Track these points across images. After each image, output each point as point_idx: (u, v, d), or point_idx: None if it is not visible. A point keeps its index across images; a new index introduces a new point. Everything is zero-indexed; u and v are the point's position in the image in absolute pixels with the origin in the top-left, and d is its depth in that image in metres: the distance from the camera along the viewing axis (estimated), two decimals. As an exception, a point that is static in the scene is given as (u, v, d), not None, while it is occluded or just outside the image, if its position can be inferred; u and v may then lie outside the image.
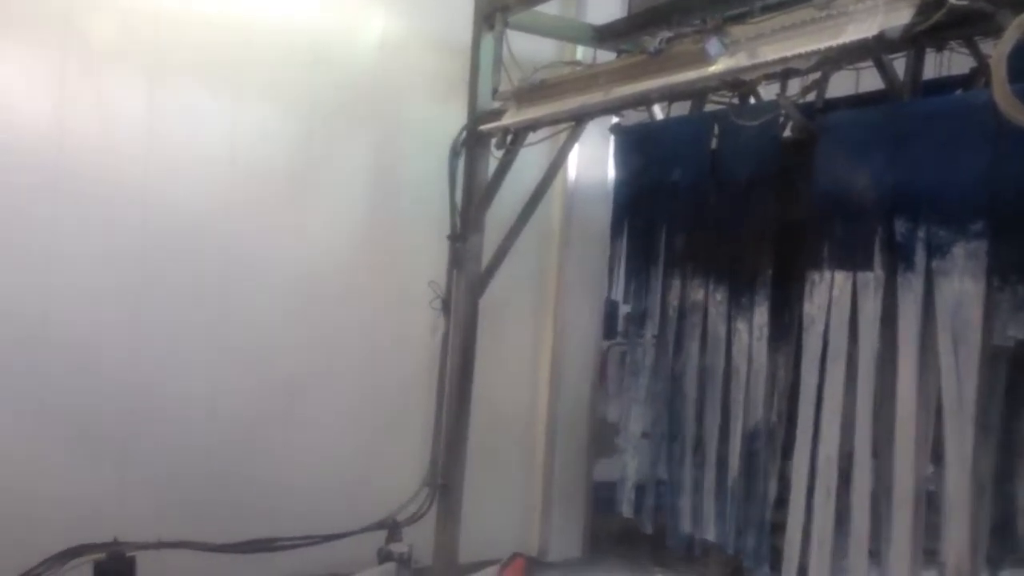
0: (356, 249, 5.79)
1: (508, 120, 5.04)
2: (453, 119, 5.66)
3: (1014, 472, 4.02)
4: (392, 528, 5.36)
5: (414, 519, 5.49)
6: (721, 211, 4.75)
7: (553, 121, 4.88)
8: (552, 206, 6.27)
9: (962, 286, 3.86)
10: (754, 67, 3.58)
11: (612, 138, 5.88)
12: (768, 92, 4.71)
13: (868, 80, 4.51)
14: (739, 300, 4.61)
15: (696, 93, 4.49)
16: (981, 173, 3.81)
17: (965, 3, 2.87)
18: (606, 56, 5.58)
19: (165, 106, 5.25)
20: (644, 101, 4.51)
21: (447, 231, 5.69)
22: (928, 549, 4.01)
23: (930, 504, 4.03)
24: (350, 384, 5.76)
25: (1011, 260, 3.76)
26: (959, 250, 3.86)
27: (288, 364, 5.59)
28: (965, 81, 4.48)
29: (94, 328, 5.12)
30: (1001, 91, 2.62)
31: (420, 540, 5.44)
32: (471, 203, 5.60)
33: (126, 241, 5.18)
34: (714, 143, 4.80)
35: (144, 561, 4.70)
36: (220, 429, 5.40)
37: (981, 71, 4.25)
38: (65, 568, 4.54)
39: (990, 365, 3.84)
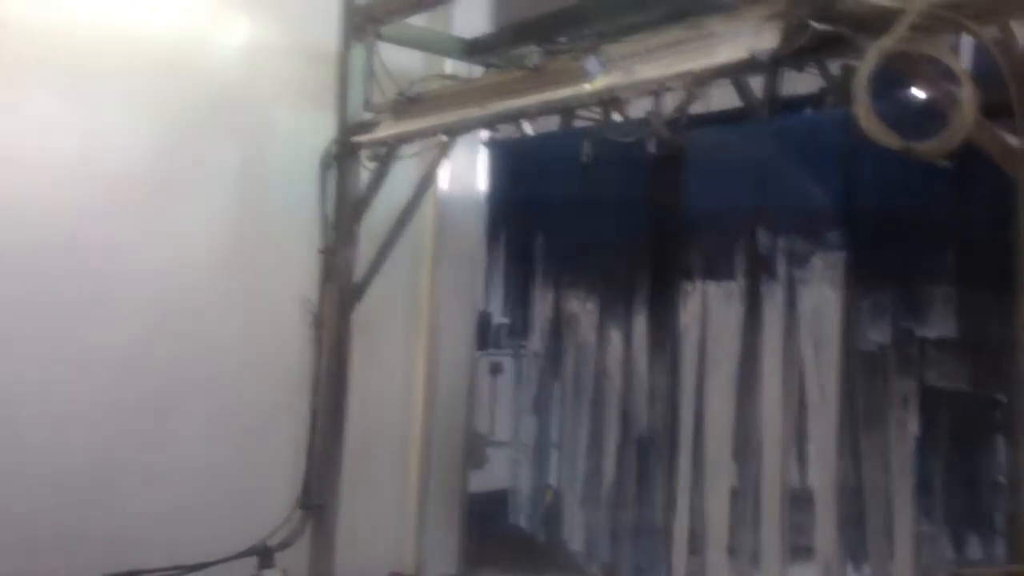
0: (223, 262, 5.55)
1: (384, 132, 5.00)
2: (323, 129, 5.55)
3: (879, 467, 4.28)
4: (263, 554, 5.18)
5: (287, 543, 5.32)
6: (594, 224, 4.88)
7: (430, 134, 4.87)
8: (424, 220, 6.23)
9: (821, 294, 4.11)
10: (631, 85, 3.69)
11: (485, 152, 5.94)
12: (635, 108, 4.87)
13: (720, 97, 4.72)
14: (615, 311, 4.74)
15: (572, 109, 4.58)
16: (836, 186, 4.07)
17: (828, 28, 3.05)
18: (476, 70, 5.63)
19: (13, 114, 4.91)
20: (522, 116, 4.57)
21: (319, 244, 5.57)
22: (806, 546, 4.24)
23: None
24: (217, 403, 5.52)
25: (868, 269, 4.03)
26: (818, 260, 4.10)
27: (150, 382, 5.28)
28: (815, 99, 4.76)
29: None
30: (865, 113, 2.79)
31: (294, 564, 5.28)
32: (343, 216, 5.51)
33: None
34: (585, 158, 4.93)
35: (-6, 604, 4.36)
36: (76, 454, 5.02)
37: (829, 89, 4.55)
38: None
39: (850, 368, 4.10)
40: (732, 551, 4.49)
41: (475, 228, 6.43)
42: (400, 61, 5.49)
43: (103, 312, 5.18)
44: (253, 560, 5.15)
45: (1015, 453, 2.92)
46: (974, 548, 4.72)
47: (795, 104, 4.75)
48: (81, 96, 5.11)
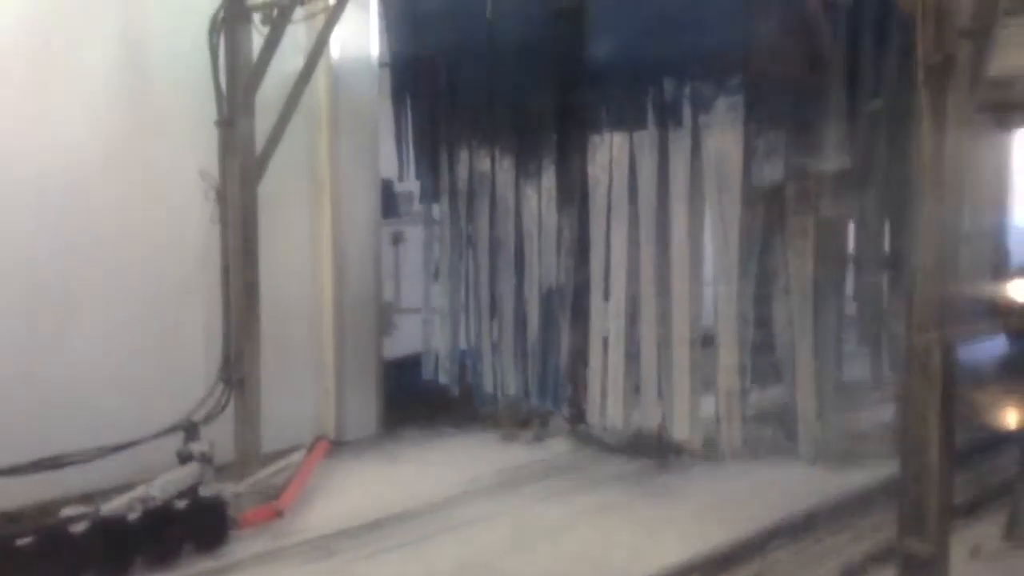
0: (115, 138, 5.32)
1: (278, -7, 4.81)
2: (209, -8, 5.29)
3: (771, 298, 4.64)
4: (189, 428, 5.20)
5: (211, 416, 5.35)
6: (501, 80, 4.91)
7: (327, -10, 4.72)
8: (318, 87, 6.09)
9: (723, 137, 4.33)
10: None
11: (376, 11, 5.79)
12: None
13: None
14: (527, 167, 4.84)
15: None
16: (735, 32, 4.23)
17: None
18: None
19: None
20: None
21: (214, 116, 5.39)
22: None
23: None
24: (127, 285, 5.40)
25: (764, 111, 4.25)
26: (720, 104, 4.30)
27: (52, 264, 5.11)
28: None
29: None
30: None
31: (220, 437, 5.32)
32: (238, 84, 5.33)
33: None
34: (488, 13, 4.91)
35: (-81, 495, 4.28)
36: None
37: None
38: None
39: (750, 206, 4.37)
40: (637, 390, 4.83)
41: (371, 93, 6.34)
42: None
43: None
44: (179, 436, 5.16)
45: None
46: (863, 366, 5.23)
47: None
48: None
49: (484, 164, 4.99)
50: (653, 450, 5.58)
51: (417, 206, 6.11)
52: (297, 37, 5.57)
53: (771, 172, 4.27)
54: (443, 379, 5.63)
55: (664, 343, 4.61)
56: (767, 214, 4.45)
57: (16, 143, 5.00)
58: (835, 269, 4.52)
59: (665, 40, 4.41)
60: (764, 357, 4.58)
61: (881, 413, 5.68)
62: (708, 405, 4.57)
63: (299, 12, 5.21)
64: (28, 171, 5.04)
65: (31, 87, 5.05)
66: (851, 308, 5.09)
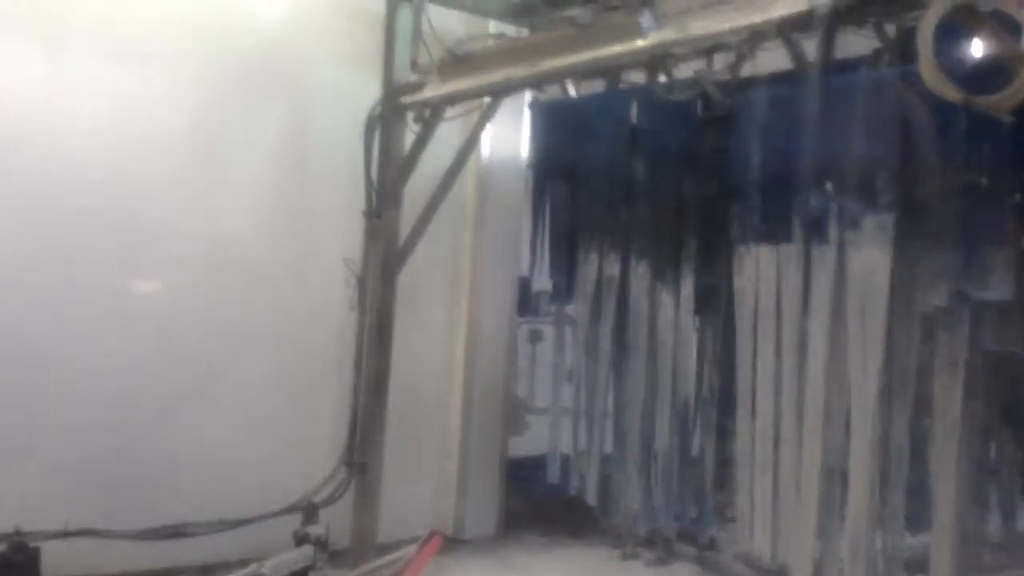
0: (267, 222, 5.60)
1: (431, 92, 4.99)
2: (366, 90, 5.56)
3: (928, 436, 4.23)
4: (308, 510, 5.25)
5: (331, 500, 5.40)
6: (642, 186, 4.84)
7: (477, 95, 4.86)
8: (466, 183, 6.23)
9: (870, 256, 4.05)
10: (684, 41, 3.65)
11: (528, 114, 5.91)
12: (682, 72, 4.81)
13: (769, 61, 4.65)
14: (663, 273, 4.70)
15: (619, 71, 4.54)
16: (889, 148, 4.00)
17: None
18: (523, 32, 5.58)
19: (63, 73, 4.97)
20: (571, 74, 4.54)
21: (362, 206, 5.59)
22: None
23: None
24: (261, 363, 5.60)
25: (920, 231, 3.96)
26: (868, 222, 4.04)
27: (196, 339, 5.36)
28: (869, 61, 4.67)
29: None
30: (928, 65, 2.74)
31: (337, 521, 5.35)
32: (387, 178, 5.52)
33: (21, 209, 4.86)
34: (633, 119, 4.89)
35: (49, 551, 4.47)
36: (125, 409, 5.13)
37: (885, 50, 4.46)
38: (-38, 561, 4.28)
39: (905, 331, 4.03)
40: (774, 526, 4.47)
41: (517, 192, 6.42)
42: (447, 22, 5.46)
43: (148, 273, 5.26)
44: (297, 517, 5.21)
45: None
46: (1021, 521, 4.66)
47: (849, 67, 4.66)
48: (125, 60, 5.15)
49: (618, 268, 4.89)
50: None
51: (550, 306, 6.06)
52: (449, 134, 5.74)
53: (928, 297, 3.94)
54: (566, 485, 5.45)
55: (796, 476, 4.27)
56: (923, 343, 4.09)
57: (180, 223, 5.34)
58: (988, 409, 4.09)
59: (812, 152, 4.22)
60: (917, 499, 4.15)
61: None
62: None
63: (452, 110, 5.37)
64: (190, 250, 5.36)
65: (199, 174, 5.41)
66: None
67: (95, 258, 5.08)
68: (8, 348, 4.85)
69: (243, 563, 4.79)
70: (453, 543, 6.14)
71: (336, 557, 5.34)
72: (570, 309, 5.72)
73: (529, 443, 6.78)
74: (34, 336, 4.92)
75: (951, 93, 2.88)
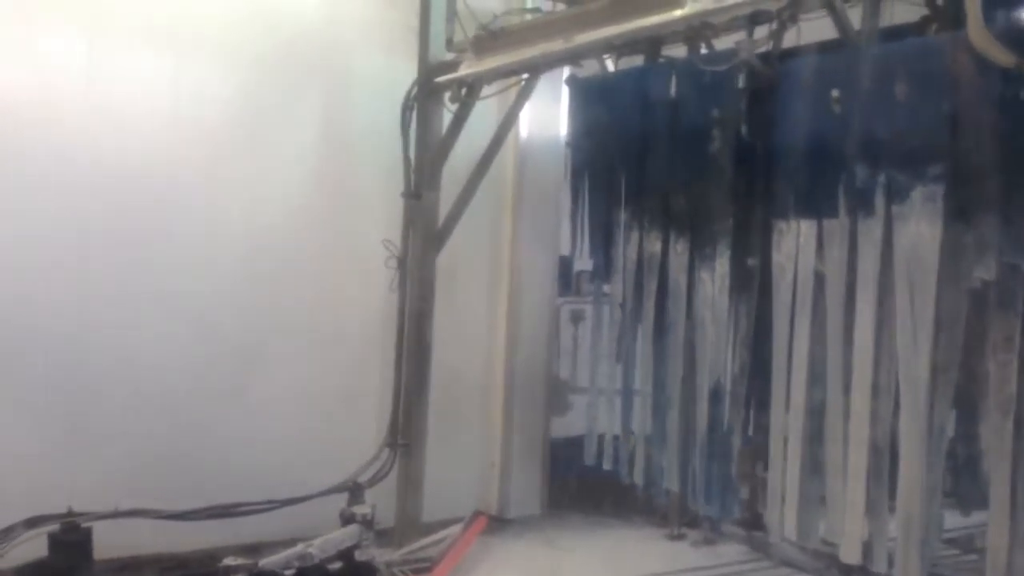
0: (306, 206, 5.64)
1: (466, 71, 4.95)
2: (403, 71, 5.55)
3: (976, 414, 4.12)
4: (354, 490, 5.29)
5: (376, 480, 5.43)
6: (681, 161, 4.75)
7: (512, 71, 4.81)
8: (504, 162, 6.20)
9: (919, 230, 3.93)
10: (723, 9, 3.56)
11: (566, 91, 5.83)
12: (721, 45, 4.71)
13: (812, 33, 4.53)
14: (702, 250, 4.63)
15: (659, 39, 4.44)
16: (939, 117, 3.87)
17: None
18: (559, 6, 5.51)
19: (105, 62, 5.05)
20: (607, 48, 4.45)
21: (400, 187, 5.59)
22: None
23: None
24: (304, 344, 5.65)
25: (970, 203, 3.83)
26: (917, 194, 3.92)
27: (241, 322, 5.45)
28: (916, 28, 4.53)
29: (33, 287, 4.91)
30: (976, 27, 2.63)
31: (382, 501, 5.39)
32: (425, 159, 5.50)
33: (66, 198, 4.97)
34: (673, 93, 4.79)
35: (101, 531, 4.56)
36: (173, 392, 5.24)
37: (933, 18, 4.31)
38: (17, 541, 4.38)
39: (954, 306, 3.92)
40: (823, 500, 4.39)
41: (557, 171, 6.37)
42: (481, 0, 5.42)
43: (194, 255, 5.33)
44: (343, 496, 5.25)
45: None
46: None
47: (896, 35, 4.52)
48: (164, 48, 5.22)
49: (656, 245, 4.82)
50: (839, 569, 5.07)
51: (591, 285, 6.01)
52: (487, 114, 5.70)
53: (979, 271, 3.82)
54: (607, 465, 5.41)
55: (845, 453, 4.18)
56: (973, 318, 3.97)
57: (221, 208, 5.40)
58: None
59: (859, 123, 4.10)
60: (971, 478, 4.05)
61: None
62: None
63: (488, 88, 5.33)
64: (229, 233, 5.42)
65: (239, 159, 5.47)
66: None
67: (139, 248, 5.18)
68: (59, 332, 4.96)
69: (291, 543, 4.84)
70: (497, 523, 6.16)
71: (382, 536, 5.40)
72: (609, 288, 5.68)
73: (572, 423, 6.76)
74: (84, 320, 5.03)
75: (1002, 57, 2.77)
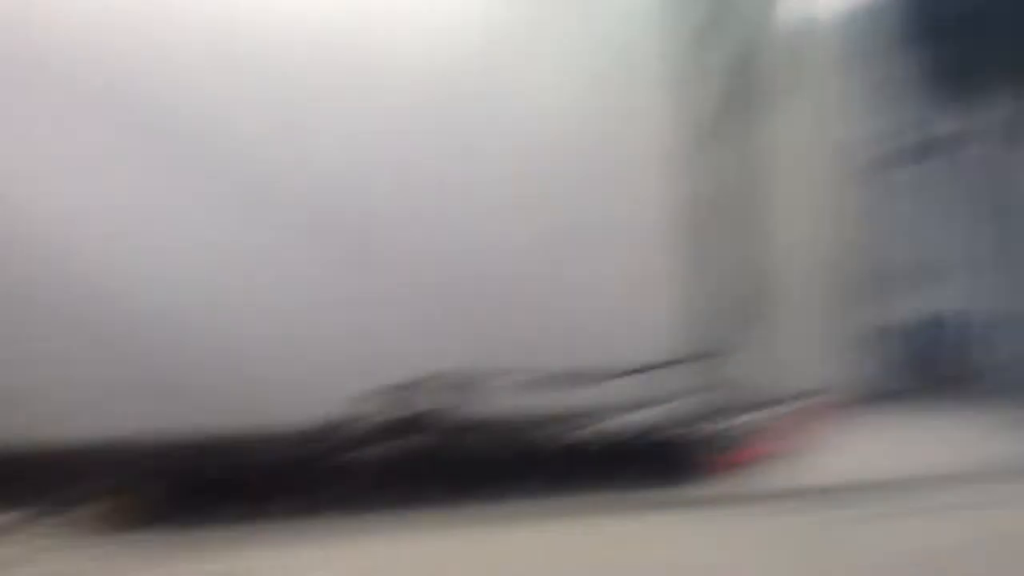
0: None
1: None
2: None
3: None
4: (705, 360, 5.29)
5: (725, 351, 5.39)
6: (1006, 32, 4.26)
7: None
8: (779, 45, 5.80)
9: None
10: None
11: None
12: None
13: None
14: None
15: None
16: None
17: None
18: None
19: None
20: None
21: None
22: None
23: None
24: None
25: None
26: None
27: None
28: None
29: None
30: None
31: (730, 373, 5.34)
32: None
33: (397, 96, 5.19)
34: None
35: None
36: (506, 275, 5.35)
37: None
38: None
39: None
40: None
41: (844, 49, 5.94)
42: None
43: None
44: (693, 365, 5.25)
45: None
46: None
47: None
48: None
49: (972, 122, 4.37)
50: None
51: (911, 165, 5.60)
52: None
53: None
54: (950, 348, 5.07)
55: None
56: None
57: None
58: None
59: None
60: None
61: None
62: None
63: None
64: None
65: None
66: None
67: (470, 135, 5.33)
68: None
69: (637, 407, 4.93)
70: (839, 401, 5.97)
71: (726, 410, 5.39)
72: (926, 166, 5.26)
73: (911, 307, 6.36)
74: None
75: None
